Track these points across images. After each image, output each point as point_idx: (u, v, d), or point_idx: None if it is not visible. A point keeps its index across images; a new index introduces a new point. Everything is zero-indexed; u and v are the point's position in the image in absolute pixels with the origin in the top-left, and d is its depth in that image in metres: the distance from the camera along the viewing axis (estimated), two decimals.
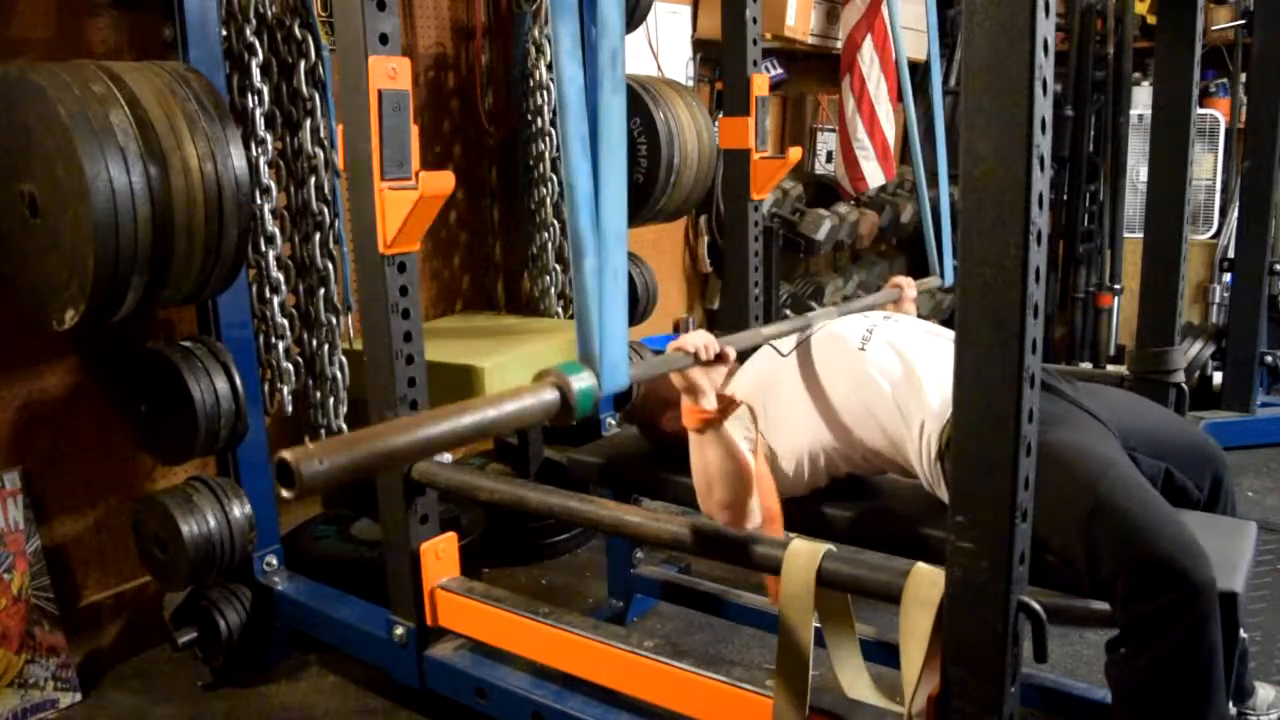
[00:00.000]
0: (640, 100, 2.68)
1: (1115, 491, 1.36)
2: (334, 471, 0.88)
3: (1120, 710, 1.36)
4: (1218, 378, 3.57)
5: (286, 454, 0.85)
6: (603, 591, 2.40)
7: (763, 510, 1.57)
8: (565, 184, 1.10)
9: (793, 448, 1.69)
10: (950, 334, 1.70)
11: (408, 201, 1.68)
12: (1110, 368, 4.25)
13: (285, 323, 2.16)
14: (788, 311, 4.01)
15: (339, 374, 2.23)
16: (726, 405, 1.48)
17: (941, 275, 2.46)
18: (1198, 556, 1.28)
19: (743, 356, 1.91)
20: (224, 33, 2.01)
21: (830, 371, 1.69)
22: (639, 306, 3.02)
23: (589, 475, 2.07)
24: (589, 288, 1.10)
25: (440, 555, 1.86)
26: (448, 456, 1.94)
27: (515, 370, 2.35)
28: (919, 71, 3.57)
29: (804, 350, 1.76)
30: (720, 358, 1.43)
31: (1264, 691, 1.84)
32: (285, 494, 0.87)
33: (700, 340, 1.43)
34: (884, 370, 1.63)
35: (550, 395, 1.09)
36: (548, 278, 2.96)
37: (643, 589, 2.31)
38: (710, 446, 1.51)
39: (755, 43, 2.62)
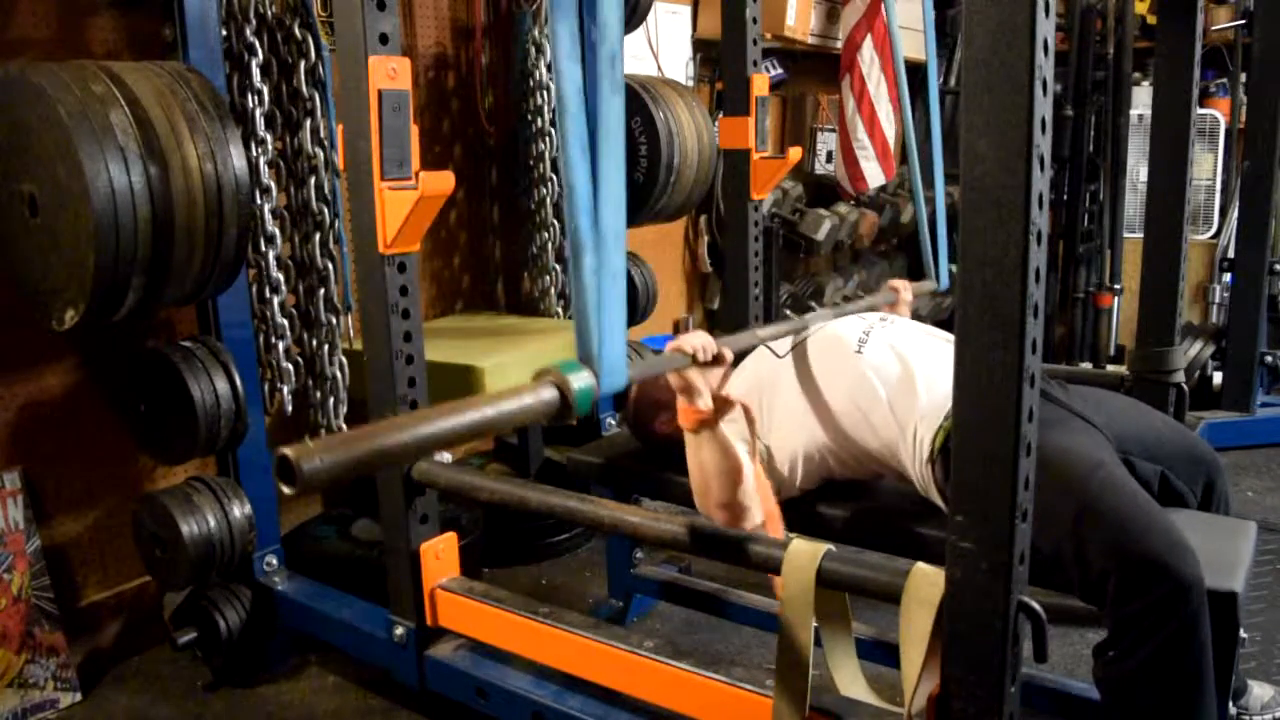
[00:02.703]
0: (640, 100, 2.68)
1: (1103, 492, 1.37)
2: (334, 469, 0.88)
3: (1110, 713, 1.35)
4: (1218, 378, 3.57)
5: (288, 451, 0.86)
6: (603, 591, 2.40)
7: (763, 512, 1.57)
8: (565, 184, 1.10)
9: (786, 449, 1.69)
10: (948, 336, 1.70)
11: (408, 201, 1.68)
12: (1110, 368, 4.26)
13: (285, 323, 2.16)
14: (788, 311, 4.01)
15: (339, 374, 2.23)
16: (722, 405, 1.48)
17: (937, 279, 2.45)
18: (1186, 554, 1.29)
19: (740, 358, 1.91)
20: (224, 33, 2.01)
21: (826, 373, 1.69)
22: (639, 306, 3.02)
23: (589, 475, 2.07)
24: (588, 287, 1.11)
25: (440, 555, 1.86)
26: (447, 456, 1.94)
27: (515, 370, 2.34)
28: (919, 72, 3.57)
29: (800, 352, 1.76)
30: (717, 359, 1.44)
31: (1259, 690, 1.85)
32: (286, 490, 0.87)
33: (698, 341, 1.43)
34: (879, 373, 1.63)
35: (549, 394, 1.09)
36: (548, 278, 2.96)
37: (643, 589, 2.31)
38: (706, 447, 1.51)
39: (755, 43, 2.62)
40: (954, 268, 2.42)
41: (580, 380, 1.10)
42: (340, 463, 0.89)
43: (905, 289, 2.20)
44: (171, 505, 1.96)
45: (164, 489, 2.06)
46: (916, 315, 2.27)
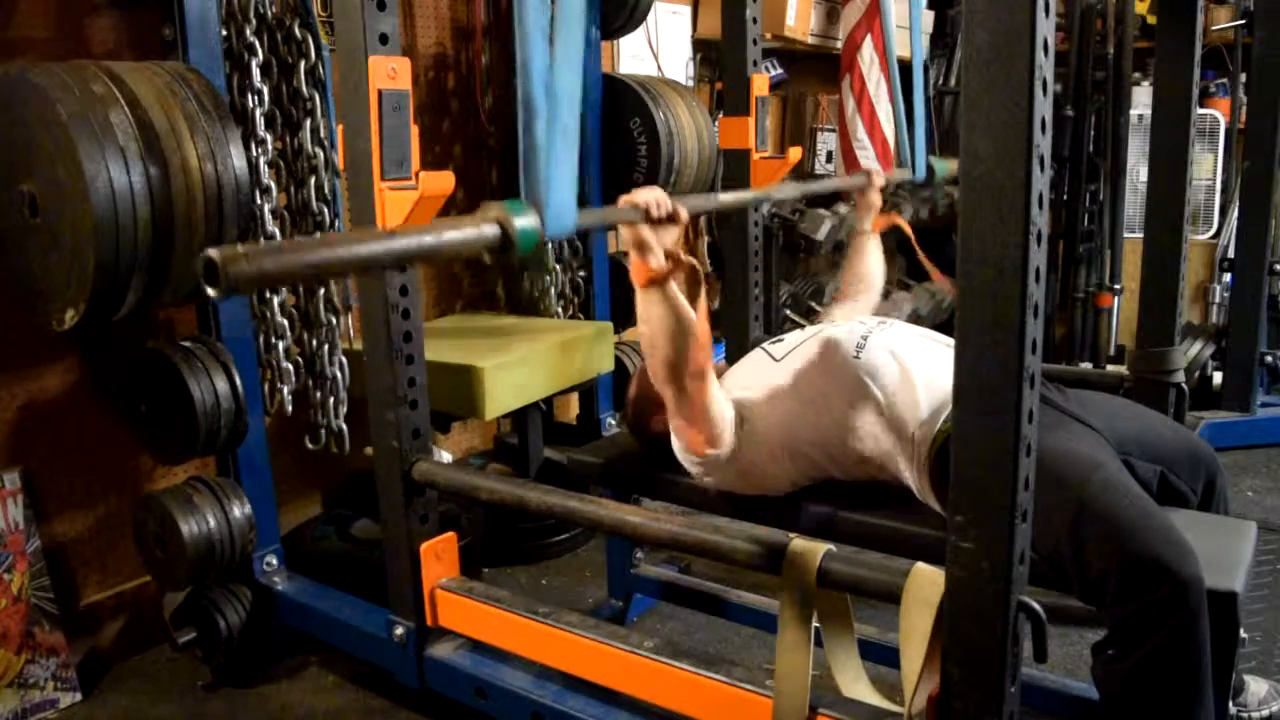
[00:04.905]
0: (640, 100, 2.68)
1: (1101, 493, 1.37)
2: (260, 276, 0.88)
3: (1109, 712, 1.36)
4: (1218, 378, 3.57)
5: (213, 253, 0.84)
6: (603, 591, 2.40)
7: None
8: (520, 59, 1.14)
9: (780, 447, 1.68)
10: (947, 340, 1.70)
11: (408, 201, 1.68)
12: (1110, 368, 4.25)
13: (285, 323, 2.16)
14: (787, 311, 4.01)
15: (339, 374, 2.23)
16: (675, 263, 1.45)
17: (913, 169, 2.40)
18: (1185, 554, 1.29)
19: (735, 344, 1.91)
20: (224, 33, 2.01)
21: (823, 377, 1.68)
22: None
23: (589, 475, 2.07)
24: (539, 142, 1.14)
25: (440, 555, 1.86)
26: (447, 456, 1.94)
27: (515, 370, 2.34)
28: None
29: (797, 355, 1.75)
30: (672, 217, 1.42)
31: (1255, 686, 1.85)
32: (211, 292, 0.85)
33: (651, 196, 1.39)
34: (877, 377, 1.62)
35: (491, 230, 1.09)
36: (548, 278, 2.95)
37: (643, 589, 2.31)
38: (656, 304, 1.48)
39: (755, 43, 2.62)
40: (932, 159, 2.40)
41: (525, 220, 1.12)
42: (266, 270, 0.88)
43: (877, 175, 2.18)
44: (171, 505, 1.96)
45: (164, 489, 2.06)
46: (916, 317, 2.26)
